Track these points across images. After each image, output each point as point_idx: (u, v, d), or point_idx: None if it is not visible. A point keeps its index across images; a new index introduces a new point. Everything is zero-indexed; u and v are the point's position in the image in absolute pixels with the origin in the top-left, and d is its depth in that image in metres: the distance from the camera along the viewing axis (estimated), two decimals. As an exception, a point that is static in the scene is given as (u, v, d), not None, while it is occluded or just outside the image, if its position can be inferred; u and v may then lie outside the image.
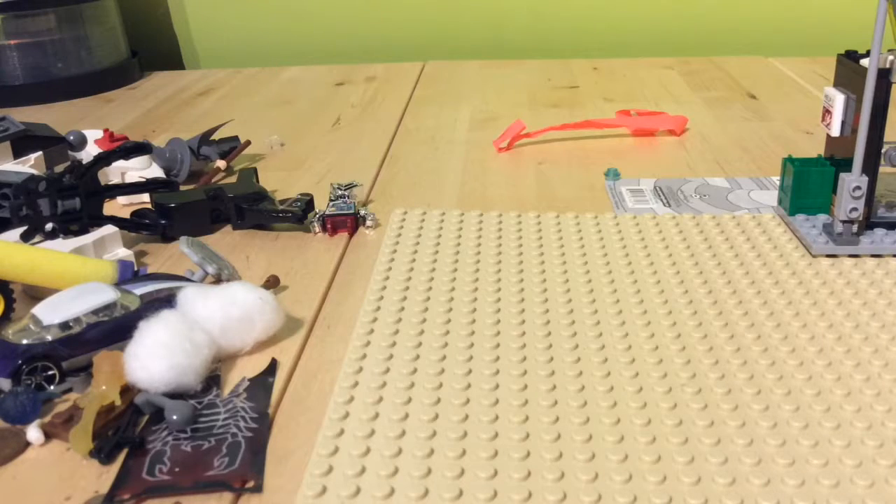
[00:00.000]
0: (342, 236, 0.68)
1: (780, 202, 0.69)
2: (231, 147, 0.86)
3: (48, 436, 0.44)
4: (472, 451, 0.41)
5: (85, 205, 0.62)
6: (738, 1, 1.36)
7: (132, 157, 0.69)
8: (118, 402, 0.44)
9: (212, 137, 0.86)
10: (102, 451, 0.42)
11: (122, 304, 0.50)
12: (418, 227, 0.68)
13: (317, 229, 0.68)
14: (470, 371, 0.48)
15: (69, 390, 0.47)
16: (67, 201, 0.62)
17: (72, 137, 0.78)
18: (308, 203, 0.69)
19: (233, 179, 0.80)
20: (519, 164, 0.85)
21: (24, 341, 0.47)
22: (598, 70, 1.26)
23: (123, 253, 0.62)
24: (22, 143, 0.75)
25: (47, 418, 0.44)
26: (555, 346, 0.50)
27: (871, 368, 0.47)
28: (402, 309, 0.55)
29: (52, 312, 0.48)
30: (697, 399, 0.45)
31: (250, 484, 0.40)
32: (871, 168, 0.59)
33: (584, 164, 0.83)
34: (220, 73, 1.34)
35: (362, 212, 0.70)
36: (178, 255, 0.58)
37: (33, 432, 0.43)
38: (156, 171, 0.78)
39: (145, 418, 0.44)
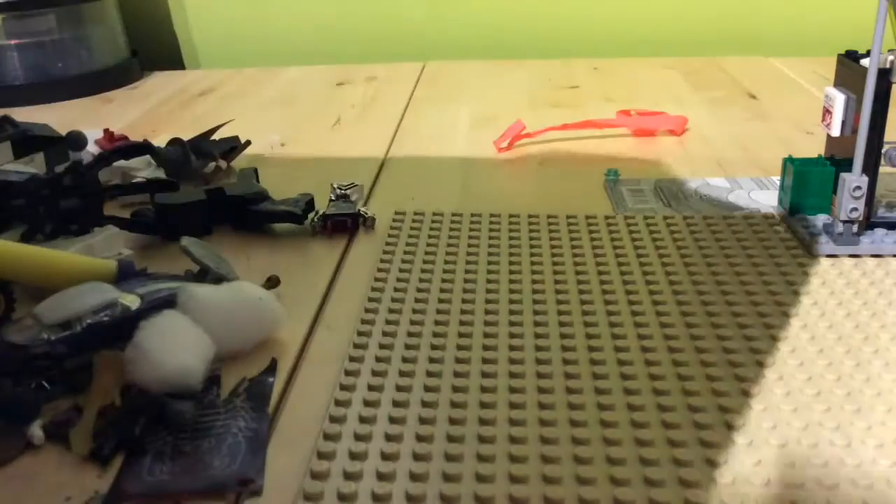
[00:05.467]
0: (342, 236, 0.68)
1: (780, 202, 0.69)
2: (231, 147, 0.86)
3: (48, 436, 0.43)
4: (470, 452, 0.41)
5: (85, 205, 0.62)
6: (738, 1, 1.36)
7: (132, 157, 0.69)
8: (118, 402, 0.44)
9: (212, 137, 0.86)
10: (102, 451, 0.42)
11: (123, 304, 0.50)
12: (418, 227, 0.68)
13: (317, 229, 0.68)
14: (469, 372, 0.48)
15: (69, 390, 0.47)
16: (67, 201, 0.61)
17: (72, 137, 0.78)
18: (308, 203, 0.69)
19: (233, 179, 0.80)
20: (519, 164, 0.85)
21: (25, 341, 0.47)
22: (598, 70, 1.26)
23: (124, 253, 0.62)
24: (22, 143, 0.75)
25: (47, 418, 0.44)
26: (555, 349, 0.50)
27: (872, 369, 0.47)
28: (402, 309, 0.55)
29: (52, 312, 0.48)
30: (698, 400, 0.45)
31: (250, 484, 0.40)
32: (871, 168, 0.59)
33: (584, 164, 0.83)
34: (220, 73, 1.34)
35: (362, 212, 0.70)
36: (178, 255, 0.58)
37: (33, 432, 0.43)
38: (156, 171, 0.77)
39: (145, 418, 0.44)
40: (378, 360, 0.49)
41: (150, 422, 0.44)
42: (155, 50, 1.44)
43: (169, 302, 0.50)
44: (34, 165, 0.75)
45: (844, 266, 0.60)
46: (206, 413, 0.45)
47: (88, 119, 1.08)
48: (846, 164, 0.60)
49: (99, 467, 0.41)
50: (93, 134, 0.81)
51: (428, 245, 0.65)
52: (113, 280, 0.54)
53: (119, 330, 0.48)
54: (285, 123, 1.03)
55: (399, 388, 0.47)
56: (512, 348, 0.50)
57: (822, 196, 0.65)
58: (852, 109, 0.60)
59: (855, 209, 0.60)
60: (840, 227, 0.61)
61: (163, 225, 0.67)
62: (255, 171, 0.76)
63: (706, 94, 1.10)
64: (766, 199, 0.72)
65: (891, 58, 0.57)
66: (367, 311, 0.55)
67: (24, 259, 0.53)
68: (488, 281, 0.59)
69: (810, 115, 0.97)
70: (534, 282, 0.59)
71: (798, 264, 0.60)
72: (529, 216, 0.70)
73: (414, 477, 0.40)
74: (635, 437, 0.42)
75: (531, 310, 0.55)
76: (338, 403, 0.45)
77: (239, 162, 0.86)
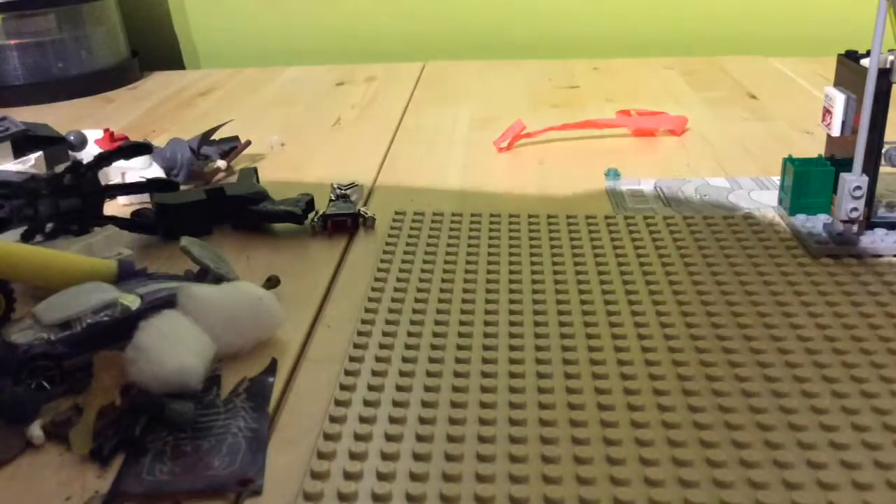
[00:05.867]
0: (342, 236, 0.68)
1: (780, 202, 0.69)
2: (231, 147, 0.86)
3: (48, 436, 0.43)
4: (470, 452, 0.41)
5: (85, 205, 0.62)
6: (738, 1, 1.36)
7: (132, 157, 0.69)
8: (118, 402, 0.44)
9: (212, 137, 0.86)
10: (102, 451, 0.42)
11: (123, 304, 0.50)
12: (418, 226, 0.68)
13: (317, 229, 0.68)
14: (469, 372, 0.48)
15: (69, 390, 0.47)
16: (67, 201, 0.61)
17: (72, 137, 0.78)
18: (308, 203, 0.69)
19: (233, 179, 0.80)
20: (519, 164, 0.85)
21: (25, 341, 0.47)
22: (599, 70, 1.26)
23: (124, 253, 0.62)
24: (22, 143, 0.75)
25: (47, 418, 0.44)
26: (555, 348, 0.50)
27: (871, 369, 0.47)
28: (402, 309, 0.55)
29: (52, 312, 0.48)
30: (698, 400, 0.45)
31: (250, 484, 0.40)
32: (871, 168, 0.59)
33: (584, 164, 0.83)
34: (220, 73, 1.34)
35: (362, 212, 0.70)
36: (178, 255, 0.58)
37: (33, 432, 0.43)
38: (156, 171, 0.78)
39: (145, 418, 0.44)
40: (378, 360, 0.49)
41: (150, 422, 0.44)
42: (155, 50, 1.44)
43: (169, 302, 0.50)
44: (34, 165, 0.75)
45: (845, 266, 0.60)
46: (206, 413, 0.45)
47: (88, 119, 1.08)
48: (846, 164, 0.60)
49: (99, 467, 0.41)
50: (93, 134, 0.81)
51: (428, 245, 0.65)
52: (113, 280, 0.54)
53: (119, 330, 0.48)
54: (285, 123, 1.03)
55: (399, 388, 0.47)
56: (512, 348, 0.50)
57: (823, 196, 0.65)
58: (852, 109, 0.60)
59: (855, 209, 0.60)
60: (840, 227, 0.61)
61: (163, 225, 0.67)
62: (255, 171, 0.76)
63: (706, 94, 1.10)
64: (766, 199, 0.72)
65: (891, 58, 0.57)
66: (367, 311, 0.55)
67: (24, 259, 0.53)
68: (488, 281, 0.59)
69: (810, 115, 0.97)
70: (534, 282, 0.59)
71: (798, 264, 0.60)
72: (529, 216, 0.70)
73: (414, 477, 0.40)
74: (635, 437, 0.42)
75: (531, 310, 0.55)
76: (338, 403, 0.45)
77: (239, 162, 0.86)
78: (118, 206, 0.75)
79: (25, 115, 0.94)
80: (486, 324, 0.53)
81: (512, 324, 0.53)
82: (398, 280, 0.59)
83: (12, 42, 1.20)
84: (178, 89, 1.24)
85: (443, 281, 0.59)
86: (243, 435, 0.43)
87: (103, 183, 0.66)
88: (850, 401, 0.44)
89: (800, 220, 0.65)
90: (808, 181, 0.65)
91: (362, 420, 0.44)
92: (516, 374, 0.48)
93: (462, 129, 0.98)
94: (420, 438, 0.42)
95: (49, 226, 0.61)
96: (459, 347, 0.51)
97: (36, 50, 1.21)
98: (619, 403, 0.45)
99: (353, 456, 0.41)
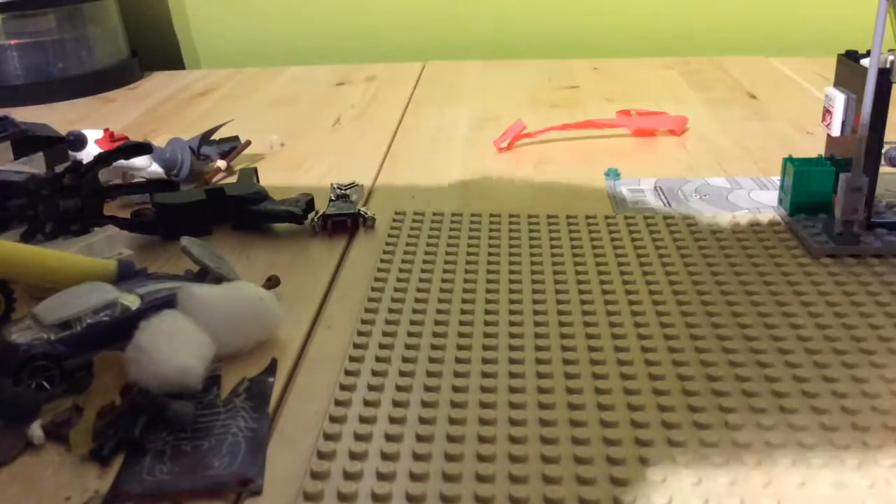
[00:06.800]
0: (342, 236, 0.68)
1: (780, 202, 0.69)
2: (231, 147, 0.86)
3: (48, 436, 0.43)
4: (470, 452, 0.41)
5: (85, 205, 0.62)
6: (738, 1, 1.36)
7: (132, 157, 0.69)
8: (118, 402, 0.44)
9: (212, 137, 0.86)
10: (102, 451, 0.42)
11: (123, 304, 0.50)
12: (418, 226, 0.68)
13: (317, 229, 0.68)
14: (469, 372, 0.48)
15: (69, 390, 0.47)
16: (67, 201, 0.61)
17: (72, 137, 0.78)
18: (308, 203, 0.69)
19: (233, 179, 0.80)
20: (519, 164, 0.85)
21: (25, 341, 0.47)
22: (599, 70, 1.26)
23: (124, 253, 0.62)
24: (22, 143, 0.75)
25: (47, 418, 0.44)
26: (555, 348, 0.50)
27: (871, 369, 0.47)
28: (402, 309, 0.55)
29: (52, 312, 0.48)
30: (698, 400, 0.45)
31: (250, 484, 0.40)
32: (871, 168, 0.60)
33: (584, 164, 0.83)
34: (220, 73, 1.34)
35: (362, 212, 0.70)
36: (178, 255, 0.58)
37: (33, 432, 0.43)
38: (156, 171, 0.78)
39: (145, 418, 0.44)
40: (378, 360, 0.49)
41: (150, 422, 0.44)
42: (155, 50, 1.44)
43: (169, 302, 0.50)
44: (34, 165, 0.75)
45: (845, 266, 0.60)
46: (206, 413, 0.45)
47: (88, 119, 1.08)
48: (846, 164, 0.60)
49: (99, 467, 0.41)
50: (93, 134, 0.81)
51: (428, 245, 0.65)
52: (113, 280, 0.54)
53: (119, 330, 0.48)
54: (285, 123, 1.03)
55: (399, 388, 0.47)
56: (512, 348, 0.50)
57: (823, 196, 0.65)
58: (852, 109, 0.60)
59: (855, 209, 0.60)
60: (840, 227, 0.61)
61: (163, 225, 0.67)
62: (256, 171, 0.76)
63: (706, 94, 1.10)
64: (766, 199, 0.72)
65: (891, 58, 0.57)
66: (367, 311, 0.55)
67: (24, 259, 0.53)
68: (488, 281, 0.59)
69: (810, 115, 0.97)
70: (534, 282, 0.59)
71: (798, 264, 0.60)
72: (529, 216, 0.70)
73: (414, 477, 0.40)
74: (635, 437, 0.42)
75: (531, 310, 0.55)
76: (338, 403, 0.45)
77: (239, 162, 0.86)
78: (118, 206, 0.75)
79: (25, 115, 0.94)
80: (486, 324, 0.53)
81: (512, 324, 0.53)
82: (398, 280, 0.59)
83: (12, 42, 1.20)
84: (178, 89, 1.24)
85: (443, 281, 0.59)
86: (243, 435, 0.43)
87: (103, 183, 0.66)
88: (850, 401, 0.44)
89: (800, 220, 0.65)
90: (808, 181, 0.65)
91: (362, 420, 0.44)
92: (516, 374, 0.48)
93: (462, 128, 0.98)
94: (420, 438, 0.42)
95: (49, 226, 0.61)
96: (459, 347, 0.51)
97: (36, 50, 1.21)
98: (619, 403, 0.45)
99: (353, 456, 0.41)
